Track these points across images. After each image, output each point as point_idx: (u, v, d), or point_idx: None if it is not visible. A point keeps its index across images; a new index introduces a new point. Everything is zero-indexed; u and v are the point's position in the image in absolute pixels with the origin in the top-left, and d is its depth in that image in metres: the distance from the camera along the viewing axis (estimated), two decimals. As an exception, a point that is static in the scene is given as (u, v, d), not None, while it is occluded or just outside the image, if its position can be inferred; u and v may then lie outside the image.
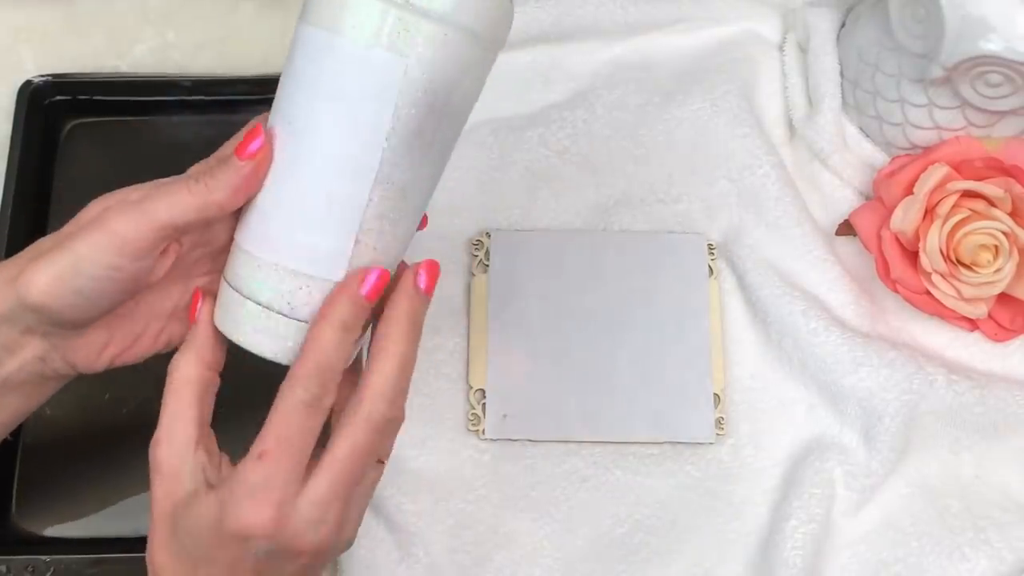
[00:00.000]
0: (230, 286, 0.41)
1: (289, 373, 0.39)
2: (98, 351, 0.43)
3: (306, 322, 0.40)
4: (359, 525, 0.42)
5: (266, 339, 0.40)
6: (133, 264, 0.40)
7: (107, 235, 0.39)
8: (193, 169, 0.41)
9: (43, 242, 0.41)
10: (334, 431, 0.39)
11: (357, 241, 0.39)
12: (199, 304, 0.42)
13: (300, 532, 0.38)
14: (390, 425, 0.40)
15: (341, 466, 0.38)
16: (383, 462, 0.42)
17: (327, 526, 0.39)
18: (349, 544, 0.42)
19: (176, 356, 0.41)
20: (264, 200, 0.40)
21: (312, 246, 0.39)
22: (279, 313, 0.39)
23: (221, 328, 0.41)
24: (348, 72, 0.38)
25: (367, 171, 0.38)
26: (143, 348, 0.45)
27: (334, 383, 0.39)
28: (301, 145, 0.39)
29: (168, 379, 0.41)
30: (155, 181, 0.41)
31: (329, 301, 0.39)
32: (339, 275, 0.39)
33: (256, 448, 0.38)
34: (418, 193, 0.41)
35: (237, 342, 0.41)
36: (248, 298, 0.40)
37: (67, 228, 0.41)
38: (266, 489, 0.37)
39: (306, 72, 0.39)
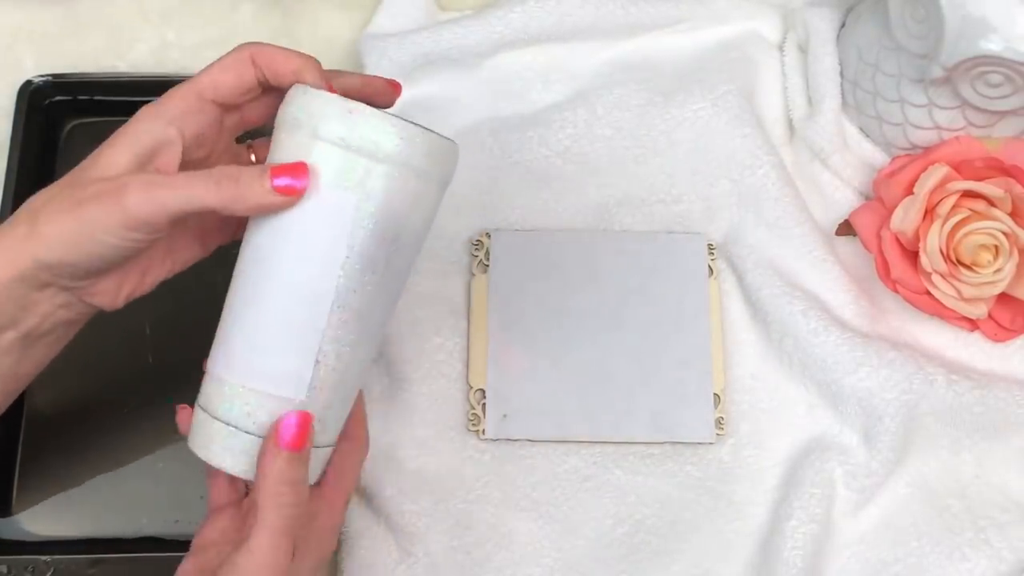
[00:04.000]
0: (200, 408, 0.43)
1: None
2: (115, 291, 0.45)
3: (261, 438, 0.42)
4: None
5: (231, 456, 0.42)
6: (146, 237, 0.41)
7: (120, 211, 0.40)
8: (220, 170, 0.41)
9: (56, 195, 0.42)
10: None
11: (317, 362, 0.41)
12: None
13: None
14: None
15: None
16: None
17: None
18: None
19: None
20: (229, 325, 0.43)
21: (274, 368, 0.41)
22: (244, 431, 0.42)
23: (192, 447, 0.43)
24: (304, 206, 0.40)
25: (324, 298, 0.41)
26: (152, 279, 0.46)
27: (303, 492, 0.42)
28: (262, 272, 0.41)
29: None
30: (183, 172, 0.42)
31: (260, 459, 0.41)
32: (302, 394, 0.41)
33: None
34: (375, 316, 0.43)
35: (205, 459, 0.42)
36: (216, 418, 0.42)
37: (86, 178, 0.42)
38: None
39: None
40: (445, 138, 0.42)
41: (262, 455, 0.41)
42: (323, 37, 0.67)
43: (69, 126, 0.64)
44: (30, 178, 0.60)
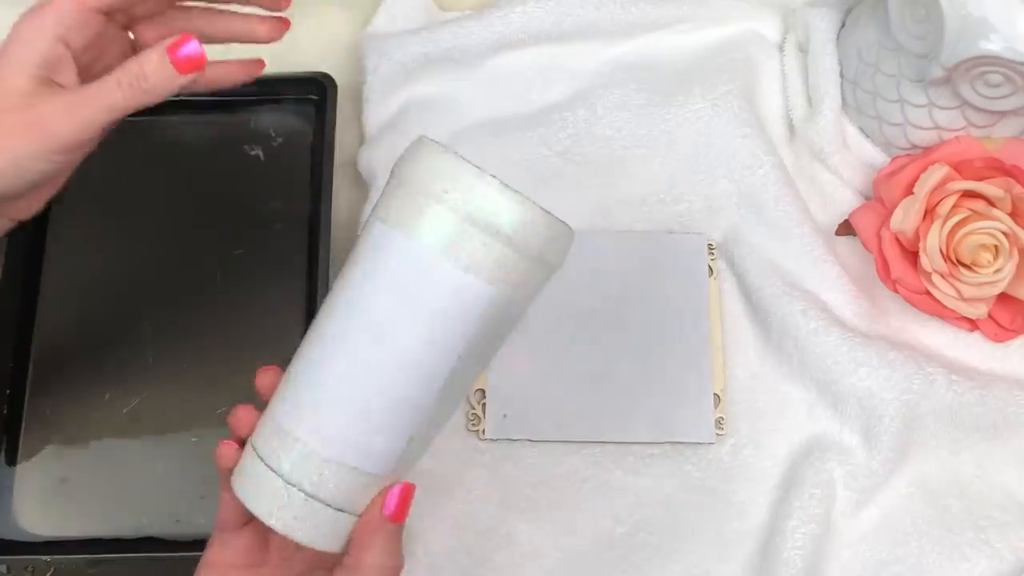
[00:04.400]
0: (258, 457, 0.40)
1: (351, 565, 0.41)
2: (36, 203, 0.45)
3: (344, 511, 0.40)
4: None
5: (304, 525, 0.40)
6: (76, 155, 0.42)
7: (48, 139, 0.40)
8: (125, 71, 0.41)
9: None
10: None
11: (410, 439, 0.40)
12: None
13: None
14: None
15: None
16: None
17: None
18: None
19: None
20: (318, 385, 0.40)
21: (369, 444, 0.39)
22: (309, 495, 0.39)
23: (238, 492, 0.41)
24: (434, 280, 0.38)
25: (437, 380, 0.39)
26: (66, 178, 0.46)
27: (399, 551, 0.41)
28: (381, 350, 0.39)
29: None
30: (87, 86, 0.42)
31: (363, 531, 0.40)
32: (389, 470, 0.40)
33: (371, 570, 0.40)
34: (462, 394, 0.42)
35: (254, 511, 0.40)
36: (277, 473, 0.40)
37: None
38: None
39: (391, 279, 0.39)
40: (563, 223, 0.40)
41: (365, 526, 0.40)
42: (323, 37, 0.67)
43: (69, 126, 0.64)
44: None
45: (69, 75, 0.42)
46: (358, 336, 0.39)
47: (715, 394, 0.57)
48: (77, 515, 0.56)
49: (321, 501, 0.39)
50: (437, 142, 0.39)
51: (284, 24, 0.48)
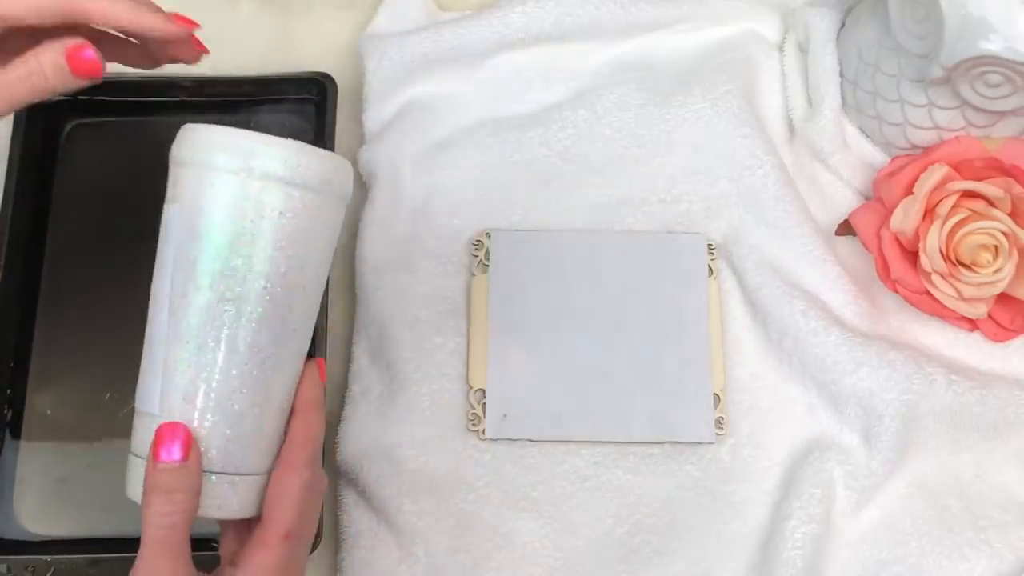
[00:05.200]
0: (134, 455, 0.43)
1: (285, 463, 0.42)
2: None
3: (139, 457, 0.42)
4: None
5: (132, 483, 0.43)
6: None
7: None
8: (24, 66, 0.43)
9: None
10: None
11: (168, 373, 0.42)
12: (184, 444, 0.41)
13: None
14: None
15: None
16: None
17: None
18: None
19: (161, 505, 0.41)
20: (142, 366, 0.44)
21: (140, 384, 0.44)
22: (135, 456, 0.42)
23: (130, 494, 0.43)
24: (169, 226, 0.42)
25: (161, 306, 0.42)
26: None
27: (320, 464, 0.43)
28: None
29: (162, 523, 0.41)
30: None
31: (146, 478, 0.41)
32: (155, 408, 0.42)
33: (278, 530, 0.41)
34: (257, 336, 0.42)
35: (133, 499, 0.42)
36: (139, 456, 0.42)
37: None
38: (290, 561, 0.41)
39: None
40: (334, 156, 0.43)
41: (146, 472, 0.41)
42: (323, 37, 0.67)
43: (69, 126, 0.64)
44: (30, 178, 0.60)
45: None
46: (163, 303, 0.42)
47: (715, 394, 0.57)
48: (77, 515, 0.56)
49: (135, 455, 0.42)
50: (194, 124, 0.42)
51: (200, 46, 0.48)
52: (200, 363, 0.41)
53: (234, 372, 0.41)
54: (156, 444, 0.40)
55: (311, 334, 0.44)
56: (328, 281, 0.57)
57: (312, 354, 0.55)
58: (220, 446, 0.41)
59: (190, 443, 0.40)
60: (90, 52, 0.42)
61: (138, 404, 0.43)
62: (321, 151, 0.42)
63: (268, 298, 0.41)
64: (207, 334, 0.41)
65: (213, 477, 0.41)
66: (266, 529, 0.41)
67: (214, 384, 0.41)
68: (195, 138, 0.42)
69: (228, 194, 0.40)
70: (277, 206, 0.41)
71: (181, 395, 0.41)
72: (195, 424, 0.41)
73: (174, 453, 0.40)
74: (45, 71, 0.42)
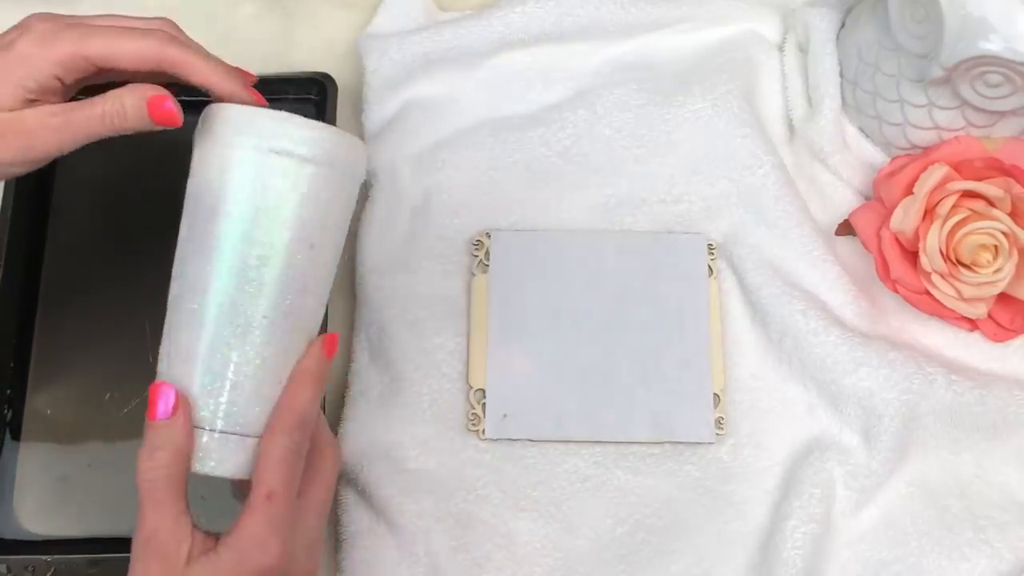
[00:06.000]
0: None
1: (274, 428, 0.43)
2: None
3: None
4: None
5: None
6: (46, 162, 0.46)
7: (28, 148, 0.45)
8: (107, 104, 0.45)
9: None
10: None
11: (168, 335, 0.45)
12: (174, 403, 0.43)
13: (297, 558, 0.43)
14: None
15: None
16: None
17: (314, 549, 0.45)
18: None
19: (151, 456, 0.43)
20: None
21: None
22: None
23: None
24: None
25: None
26: None
27: (309, 433, 0.44)
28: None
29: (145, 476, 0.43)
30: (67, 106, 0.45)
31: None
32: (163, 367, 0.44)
33: (260, 491, 0.42)
34: (256, 303, 0.44)
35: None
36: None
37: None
38: (279, 525, 0.42)
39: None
40: (348, 135, 0.45)
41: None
42: (323, 37, 0.67)
43: (69, 126, 0.64)
44: (30, 178, 0.60)
45: (56, 98, 0.46)
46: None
47: (715, 394, 0.57)
48: (77, 515, 0.56)
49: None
50: (218, 104, 0.45)
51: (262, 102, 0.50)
52: (201, 326, 0.43)
53: (233, 339, 0.43)
54: (149, 402, 0.42)
55: (321, 313, 0.46)
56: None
57: None
58: (216, 406, 0.43)
59: (177, 401, 0.42)
60: (171, 104, 0.45)
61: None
62: (337, 131, 0.44)
63: (274, 271, 0.43)
64: (210, 299, 0.43)
65: (212, 434, 0.43)
66: (252, 492, 0.42)
67: (217, 347, 0.43)
68: (219, 117, 0.44)
69: (249, 170, 0.43)
70: (295, 181, 0.43)
71: (181, 356, 0.43)
72: (194, 384, 0.43)
73: (162, 410, 0.42)
74: (126, 112, 0.45)
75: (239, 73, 0.47)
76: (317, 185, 0.43)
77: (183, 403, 0.42)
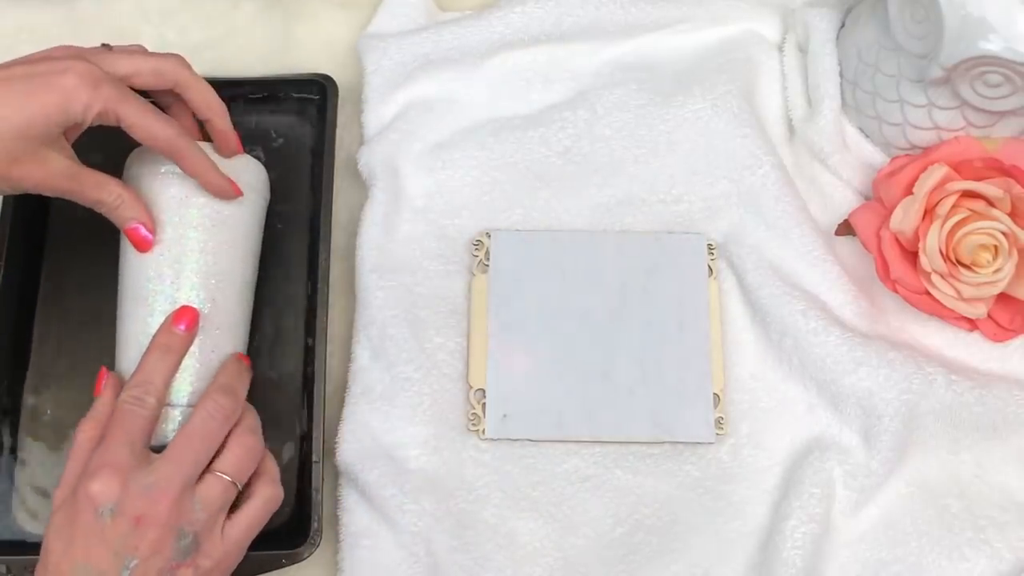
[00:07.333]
0: None
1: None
2: None
3: None
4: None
5: None
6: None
7: (33, 184, 0.49)
8: (109, 186, 0.51)
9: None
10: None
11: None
12: (104, 382, 0.51)
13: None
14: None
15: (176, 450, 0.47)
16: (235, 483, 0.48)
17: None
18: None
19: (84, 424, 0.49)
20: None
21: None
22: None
23: None
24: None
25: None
26: None
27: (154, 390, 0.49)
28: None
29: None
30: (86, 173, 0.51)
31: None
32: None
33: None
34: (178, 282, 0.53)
35: None
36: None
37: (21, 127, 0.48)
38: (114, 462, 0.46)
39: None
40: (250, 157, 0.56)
41: None
42: (323, 37, 0.67)
43: (69, 126, 0.64)
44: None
45: (72, 134, 0.50)
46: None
47: (715, 394, 0.57)
48: (77, 515, 0.56)
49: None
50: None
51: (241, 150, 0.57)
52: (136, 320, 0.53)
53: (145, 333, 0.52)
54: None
55: (241, 319, 0.55)
56: (328, 281, 0.57)
57: (313, 351, 0.56)
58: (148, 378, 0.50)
59: (103, 379, 0.51)
60: (147, 233, 0.52)
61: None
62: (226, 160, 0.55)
63: (182, 283, 0.52)
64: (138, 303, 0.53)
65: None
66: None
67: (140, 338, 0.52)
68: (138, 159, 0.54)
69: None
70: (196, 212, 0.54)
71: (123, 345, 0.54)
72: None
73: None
74: (114, 214, 0.52)
75: (227, 122, 0.54)
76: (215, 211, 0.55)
77: (109, 380, 0.51)
